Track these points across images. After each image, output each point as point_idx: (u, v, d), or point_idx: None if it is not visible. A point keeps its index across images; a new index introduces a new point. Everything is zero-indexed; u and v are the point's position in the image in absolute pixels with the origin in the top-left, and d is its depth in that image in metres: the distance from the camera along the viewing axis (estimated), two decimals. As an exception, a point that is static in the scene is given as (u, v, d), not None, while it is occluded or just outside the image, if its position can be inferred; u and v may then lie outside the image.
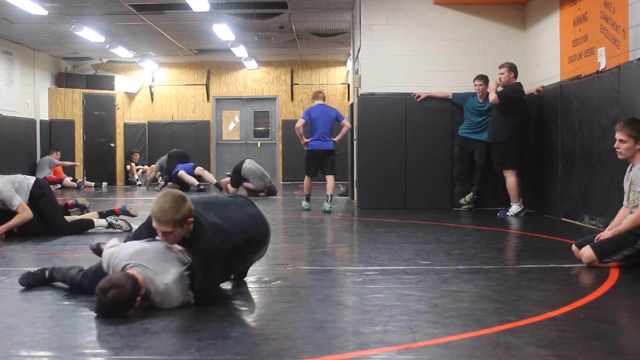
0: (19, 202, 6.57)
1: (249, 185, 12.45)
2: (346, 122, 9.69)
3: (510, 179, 8.70)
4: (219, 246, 3.76)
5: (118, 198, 11.80)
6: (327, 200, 9.39)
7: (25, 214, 6.58)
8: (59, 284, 4.28)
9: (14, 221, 6.58)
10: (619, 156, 5.19)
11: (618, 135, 5.09)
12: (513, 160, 8.70)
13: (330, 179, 9.57)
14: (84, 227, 7.04)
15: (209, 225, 3.77)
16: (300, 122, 9.59)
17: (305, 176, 9.80)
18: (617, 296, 4.19)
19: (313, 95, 10.05)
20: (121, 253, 3.80)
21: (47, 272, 4.32)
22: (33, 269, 4.40)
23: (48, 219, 6.82)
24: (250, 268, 4.55)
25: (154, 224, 3.74)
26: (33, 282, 4.29)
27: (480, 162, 9.17)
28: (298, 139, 9.99)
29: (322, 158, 9.56)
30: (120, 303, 3.50)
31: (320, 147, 9.50)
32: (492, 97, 8.58)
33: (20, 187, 6.69)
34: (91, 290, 3.81)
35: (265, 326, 3.50)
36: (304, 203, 9.74)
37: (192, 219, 3.72)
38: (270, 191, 12.64)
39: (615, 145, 5.15)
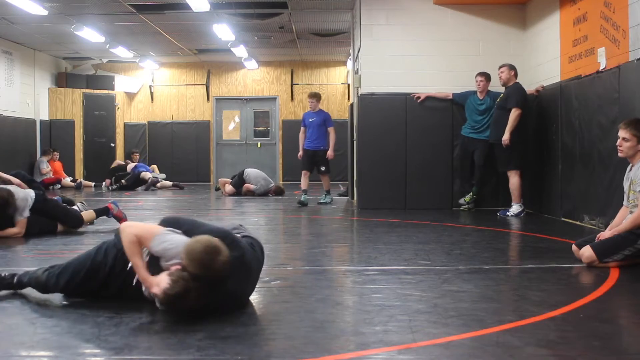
0: (24, 217, 6.70)
1: (251, 187, 12.49)
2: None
3: (514, 179, 8.68)
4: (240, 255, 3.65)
5: (117, 198, 11.78)
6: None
7: (18, 229, 6.67)
8: (26, 290, 4.08)
9: (2, 233, 6.61)
10: (619, 154, 5.20)
11: (622, 133, 5.10)
12: (518, 160, 8.69)
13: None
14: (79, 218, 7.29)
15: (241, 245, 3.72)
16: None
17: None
18: (617, 296, 4.19)
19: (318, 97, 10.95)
20: (176, 249, 3.66)
21: (15, 277, 4.11)
22: (4, 272, 4.18)
23: (60, 217, 7.07)
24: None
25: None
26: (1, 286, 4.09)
27: (479, 162, 9.15)
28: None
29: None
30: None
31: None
32: (514, 115, 8.44)
33: (27, 204, 6.78)
34: (56, 290, 3.90)
35: (265, 326, 3.50)
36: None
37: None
38: (277, 192, 12.69)
39: (617, 143, 5.16)
